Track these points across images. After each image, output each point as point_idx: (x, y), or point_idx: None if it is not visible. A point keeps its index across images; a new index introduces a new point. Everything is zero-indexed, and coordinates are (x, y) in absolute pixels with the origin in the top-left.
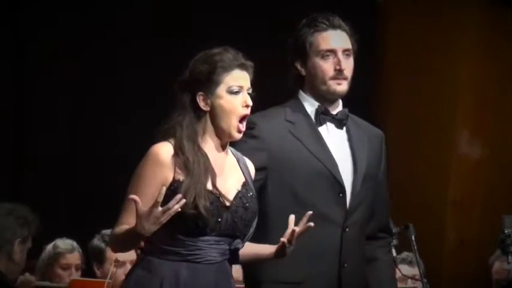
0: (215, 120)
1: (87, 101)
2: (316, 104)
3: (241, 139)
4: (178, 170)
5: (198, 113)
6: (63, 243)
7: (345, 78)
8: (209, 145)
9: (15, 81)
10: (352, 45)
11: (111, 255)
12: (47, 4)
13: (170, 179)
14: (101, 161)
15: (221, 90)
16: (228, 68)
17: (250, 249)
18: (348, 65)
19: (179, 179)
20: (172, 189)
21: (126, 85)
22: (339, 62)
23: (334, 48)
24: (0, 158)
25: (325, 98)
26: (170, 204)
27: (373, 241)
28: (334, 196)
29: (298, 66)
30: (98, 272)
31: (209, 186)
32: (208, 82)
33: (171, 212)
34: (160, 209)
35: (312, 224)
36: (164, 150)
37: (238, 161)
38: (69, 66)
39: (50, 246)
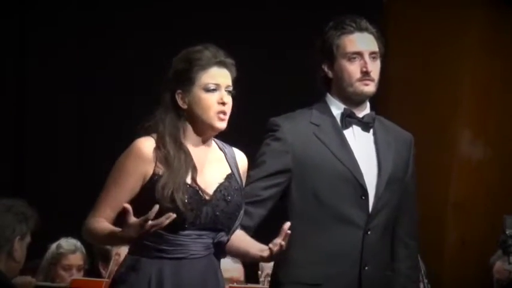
0: (193, 117)
1: (89, 98)
2: (343, 106)
3: (265, 142)
4: (159, 164)
5: (178, 110)
6: (67, 244)
7: (372, 80)
8: (191, 141)
9: (18, 78)
10: (379, 48)
11: (117, 255)
12: (51, 1)
13: (150, 172)
14: (104, 160)
15: (197, 88)
16: (205, 66)
17: (244, 244)
18: (375, 67)
19: (159, 173)
20: (153, 182)
21: (129, 82)
22: (365, 64)
23: (361, 50)
24: (2, 156)
25: (353, 100)
26: (159, 220)
27: (402, 248)
28: (357, 199)
29: (325, 69)
30: (103, 272)
31: (188, 180)
32: (185, 80)
33: (161, 226)
34: (150, 222)
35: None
36: (146, 144)
37: (225, 154)
38: (72, 63)
39: (53, 246)
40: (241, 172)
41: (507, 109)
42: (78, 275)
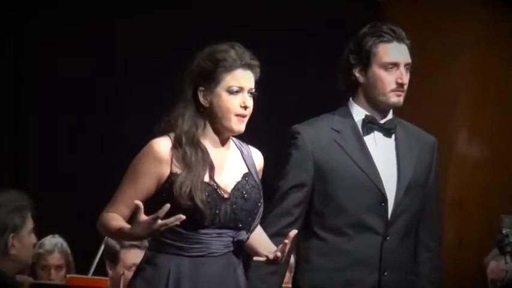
0: (213, 116)
1: (88, 102)
2: (365, 113)
3: (288, 151)
4: (176, 163)
5: (199, 107)
6: (48, 243)
7: (404, 91)
8: (209, 139)
9: (18, 78)
10: (412, 59)
11: (124, 257)
12: (50, 5)
13: (167, 173)
14: (103, 160)
15: (221, 89)
16: (229, 68)
17: (256, 243)
18: (407, 79)
19: (176, 172)
20: (171, 181)
21: (129, 83)
22: (401, 76)
23: (398, 61)
24: (2, 155)
25: (380, 108)
26: (169, 220)
27: (424, 251)
28: (376, 205)
29: (356, 73)
30: (110, 272)
31: (206, 178)
32: (209, 79)
33: (169, 226)
34: (159, 222)
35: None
36: (161, 145)
37: (242, 152)
38: (71, 66)
39: (37, 245)
40: (257, 169)
41: (504, 108)
42: (56, 275)
